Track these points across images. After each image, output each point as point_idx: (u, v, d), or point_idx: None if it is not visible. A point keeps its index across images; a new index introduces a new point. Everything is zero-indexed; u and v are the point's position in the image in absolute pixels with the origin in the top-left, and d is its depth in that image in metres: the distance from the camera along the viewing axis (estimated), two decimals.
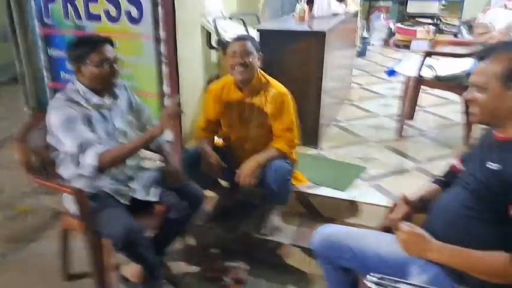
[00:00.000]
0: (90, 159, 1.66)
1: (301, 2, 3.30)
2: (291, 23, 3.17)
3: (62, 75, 2.68)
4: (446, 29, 7.22)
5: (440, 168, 2.66)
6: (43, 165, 2.04)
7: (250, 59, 2.07)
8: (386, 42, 6.73)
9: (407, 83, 3.03)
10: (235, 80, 2.16)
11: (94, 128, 1.78)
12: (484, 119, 1.30)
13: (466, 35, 7.13)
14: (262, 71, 2.19)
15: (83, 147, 1.67)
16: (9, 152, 3.64)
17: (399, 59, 4.20)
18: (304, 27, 3.05)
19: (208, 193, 2.47)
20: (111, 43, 1.83)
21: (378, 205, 2.35)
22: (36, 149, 1.92)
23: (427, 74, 2.95)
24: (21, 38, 2.67)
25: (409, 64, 3.15)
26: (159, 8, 2.36)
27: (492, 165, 1.24)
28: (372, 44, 6.49)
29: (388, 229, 1.65)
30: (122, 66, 1.89)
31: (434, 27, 6.62)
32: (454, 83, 2.94)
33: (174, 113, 1.80)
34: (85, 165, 1.67)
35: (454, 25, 7.19)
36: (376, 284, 1.19)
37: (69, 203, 1.87)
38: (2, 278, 2.21)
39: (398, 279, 1.22)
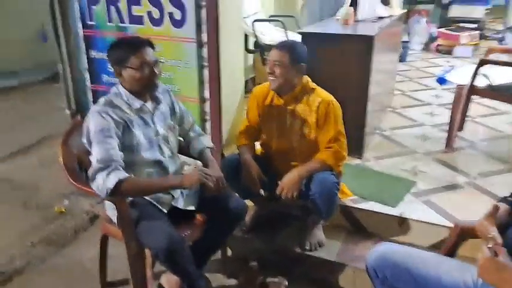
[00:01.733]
0: (110, 182, 1.57)
1: (345, 5, 3.16)
2: (335, 27, 3.04)
3: (103, 78, 2.65)
4: (491, 35, 6.91)
5: (495, 184, 2.53)
6: (84, 169, 2.01)
7: (280, 70, 1.96)
8: (427, 47, 6.47)
9: (460, 91, 2.84)
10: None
11: (134, 134, 1.73)
12: None
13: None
14: (308, 78, 2.08)
15: (108, 166, 1.59)
16: (48, 152, 3.68)
17: (451, 66, 3.98)
18: (351, 31, 2.92)
19: (247, 202, 2.39)
20: (152, 46, 1.76)
21: (429, 223, 2.19)
22: (78, 153, 1.87)
23: (480, 83, 2.76)
24: (63, 39, 2.65)
25: (461, 72, 2.96)
26: (203, 11, 2.29)
27: None
28: (412, 49, 6.25)
29: (450, 253, 1.52)
30: (162, 70, 1.83)
31: (478, 33, 6.32)
32: (509, 93, 2.74)
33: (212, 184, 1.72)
34: (101, 184, 1.58)
35: (499, 30, 6.86)
36: None
37: (110, 209, 1.82)
38: (40, 283, 2.19)
39: None
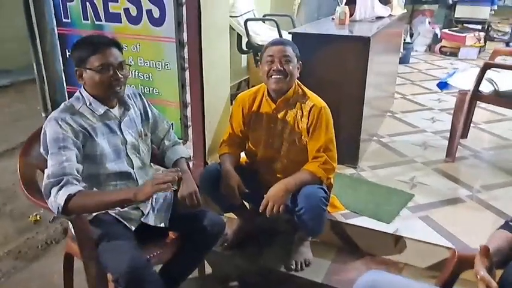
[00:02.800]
0: (60, 198, 1.39)
1: (341, 4, 2.97)
2: (330, 27, 2.84)
3: None
4: (497, 36, 6.70)
5: (500, 198, 2.34)
6: None
7: (291, 67, 1.80)
8: (430, 49, 6.27)
9: (462, 97, 2.65)
10: (269, 89, 1.89)
11: (97, 144, 1.55)
12: None
13: None
14: (299, 82, 1.91)
15: (60, 181, 1.41)
16: None
17: (454, 69, 3.78)
18: (346, 32, 2.73)
19: (229, 215, 2.21)
20: (118, 46, 1.59)
21: (427, 242, 2.00)
22: (38, 163, 1.70)
23: (485, 88, 2.57)
24: (39, 39, 2.48)
25: (464, 76, 2.77)
26: (183, 9, 2.11)
27: None
28: (416, 50, 6.05)
29: (444, 285, 1.34)
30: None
31: (483, 34, 6.11)
32: None
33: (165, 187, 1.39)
34: (53, 201, 1.40)
35: (506, 32, 6.65)
36: None
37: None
38: None
39: None
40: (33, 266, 2.24)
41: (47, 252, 2.33)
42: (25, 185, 1.62)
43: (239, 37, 3.72)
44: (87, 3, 2.28)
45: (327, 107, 1.88)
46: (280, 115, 1.91)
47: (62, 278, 1.93)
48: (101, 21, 2.29)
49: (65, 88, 2.59)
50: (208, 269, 2.09)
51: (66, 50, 2.46)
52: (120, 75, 1.56)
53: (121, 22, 2.25)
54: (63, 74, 2.55)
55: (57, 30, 2.44)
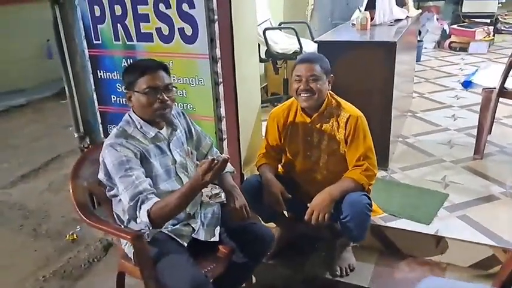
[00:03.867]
0: (143, 217, 1.46)
1: (361, 9, 3.01)
2: (352, 33, 2.88)
3: (112, 99, 2.53)
4: (505, 28, 6.70)
5: None
6: (97, 202, 1.89)
7: (318, 85, 1.83)
8: (440, 45, 6.29)
9: (488, 95, 2.68)
10: (300, 106, 1.92)
11: (151, 165, 1.59)
12: None
13: None
14: (332, 93, 1.94)
15: (137, 202, 1.48)
16: (56, 174, 3.58)
17: (477, 67, 3.80)
18: (370, 37, 2.77)
19: (271, 225, 2.24)
20: (166, 69, 1.63)
21: (468, 241, 2.03)
22: (89, 185, 1.75)
23: (511, 85, 2.59)
24: (68, 60, 2.53)
25: (487, 74, 2.80)
26: (215, 25, 2.16)
27: None
28: (425, 48, 6.07)
29: (502, 286, 1.37)
30: (176, 94, 1.69)
31: (492, 28, 6.12)
32: None
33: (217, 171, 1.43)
34: (142, 222, 1.50)
35: None
36: None
37: (127, 246, 1.69)
38: None
39: None
40: (79, 285, 2.27)
41: (91, 271, 2.37)
42: (80, 208, 1.66)
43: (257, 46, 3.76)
44: (119, 24, 2.32)
45: (363, 116, 1.91)
46: (316, 127, 1.94)
47: None
48: (133, 41, 2.33)
49: (97, 108, 2.63)
50: (252, 280, 2.12)
51: (98, 71, 2.51)
52: (166, 98, 1.59)
53: (153, 41, 2.29)
54: (94, 94, 2.59)
55: (88, 51, 2.48)
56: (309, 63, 1.84)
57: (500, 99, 3.18)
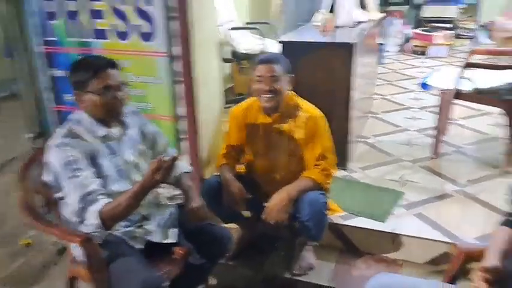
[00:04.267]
0: (93, 218, 1.42)
1: (323, 11, 3.04)
2: (314, 34, 2.91)
3: (67, 97, 2.44)
4: (464, 34, 6.97)
5: (485, 191, 2.45)
6: (46, 205, 1.81)
7: (279, 85, 1.82)
8: (402, 49, 6.46)
9: (445, 96, 2.76)
10: (262, 105, 1.92)
11: (101, 166, 1.55)
12: None
13: (484, 40, 6.86)
14: (293, 93, 1.95)
15: (86, 203, 1.43)
16: (9, 178, 3.42)
17: (431, 69, 3.93)
18: (330, 39, 2.80)
19: (232, 225, 2.23)
20: (116, 67, 1.58)
21: (422, 238, 2.08)
22: (38, 187, 1.68)
23: (465, 86, 2.68)
24: (21, 57, 2.43)
25: (441, 76, 2.89)
26: (173, 23, 2.12)
27: None
28: (388, 51, 6.23)
29: (452, 280, 1.41)
30: (129, 92, 1.65)
31: (451, 32, 6.35)
32: (495, 97, 2.67)
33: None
34: (90, 225, 1.43)
35: (472, 29, 6.93)
36: None
37: (77, 249, 1.63)
38: None
39: None
40: None
41: (46, 276, 2.27)
42: (26, 211, 1.59)
43: (222, 46, 3.73)
44: (72, 21, 2.25)
45: (323, 116, 1.93)
46: (276, 127, 1.94)
47: None
48: (88, 38, 2.27)
49: (52, 107, 2.54)
50: (213, 281, 2.10)
51: (53, 69, 2.42)
52: (121, 96, 1.56)
53: (108, 38, 2.23)
54: (49, 93, 2.50)
55: (44, 48, 2.39)
56: (270, 64, 1.83)
57: (457, 101, 3.31)
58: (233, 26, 3.71)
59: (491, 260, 1.17)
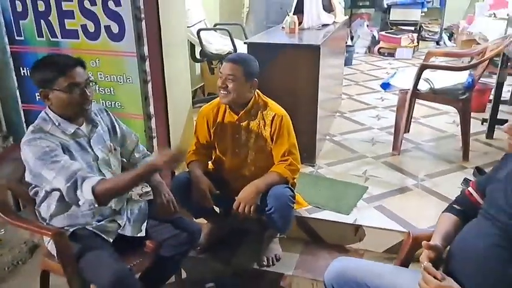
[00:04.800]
0: (87, 194, 1.46)
1: (290, 13, 3.15)
2: (281, 36, 3.02)
3: (37, 97, 2.44)
4: (428, 36, 7.25)
5: (441, 185, 2.61)
6: (17, 201, 1.83)
7: (233, 85, 1.90)
8: (370, 50, 6.67)
9: (403, 96, 2.92)
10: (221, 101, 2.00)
11: (74, 158, 1.59)
12: None
13: (447, 42, 7.18)
14: (259, 92, 2.04)
15: (76, 181, 1.47)
16: None
17: (395, 70, 4.10)
18: (296, 40, 2.92)
19: (202, 221, 2.30)
20: (83, 65, 1.63)
21: (383, 229, 2.21)
22: (10, 184, 1.71)
23: (423, 87, 2.85)
24: None
25: (403, 77, 3.04)
26: (143, 23, 2.18)
27: None
28: (357, 52, 6.42)
29: (405, 263, 1.53)
30: (96, 89, 1.70)
31: (416, 35, 6.61)
32: (450, 96, 2.84)
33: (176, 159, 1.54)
34: (85, 201, 1.48)
35: (436, 32, 7.22)
36: None
37: (50, 243, 1.66)
38: None
39: None
40: None
41: (15, 273, 2.28)
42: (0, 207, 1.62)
43: (192, 46, 3.80)
44: (42, 20, 2.27)
45: (287, 114, 2.03)
46: (243, 125, 2.02)
47: None
48: (57, 38, 2.29)
49: (20, 106, 2.54)
50: (183, 274, 2.17)
51: (21, 68, 2.43)
52: (88, 93, 1.60)
53: (78, 38, 2.26)
54: (17, 92, 2.50)
55: (10, 48, 2.39)
56: (233, 64, 1.91)
57: (420, 100, 3.49)
58: (203, 27, 3.77)
59: (434, 240, 1.30)
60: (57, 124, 1.61)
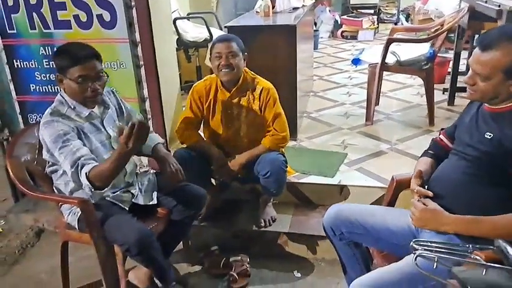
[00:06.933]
0: (84, 180, 1.60)
1: None
2: (257, 19, 3.21)
3: (31, 88, 2.54)
4: (387, 18, 7.63)
5: (412, 147, 2.91)
6: (33, 179, 1.95)
7: (236, 61, 2.08)
8: (333, 34, 6.97)
9: (373, 70, 3.19)
10: (221, 80, 2.16)
11: (88, 140, 1.74)
12: (482, 99, 1.42)
13: (405, 23, 7.58)
14: (247, 69, 2.22)
15: (78, 167, 1.60)
16: None
17: (362, 48, 4.39)
18: (273, 22, 3.12)
19: None
20: (98, 57, 1.73)
21: (364, 186, 2.47)
22: (26, 163, 1.83)
23: (390, 60, 3.12)
24: None
25: (371, 53, 3.32)
26: (133, 10, 2.32)
27: (491, 135, 1.37)
28: (321, 37, 6.70)
29: (391, 204, 1.77)
30: (107, 79, 1.79)
31: (376, 17, 6.96)
32: (414, 67, 3.14)
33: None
34: (85, 186, 1.62)
35: (393, 14, 7.61)
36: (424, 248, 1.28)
37: (69, 215, 1.81)
38: None
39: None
40: (16, 270, 2.29)
41: (26, 256, 2.40)
42: (22, 183, 1.75)
43: None
44: (34, 13, 2.36)
45: (273, 87, 2.22)
46: (235, 101, 2.20)
47: (50, 274, 2.06)
48: (50, 29, 2.39)
49: (14, 98, 2.61)
50: (190, 243, 2.35)
51: (14, 60, 2.50)
52: (97, 87, 1.71)
53: (71, 28, 2.37)
54: (11, 84, 2.57)
55: (2, 41, 2.47)
56: (227, 42, 2.09)
57: (387, 77, 3.79)
58: (177, 16, 3.90)
59: (415, 178, 1.54)
60: (72, 107, 1.74)
